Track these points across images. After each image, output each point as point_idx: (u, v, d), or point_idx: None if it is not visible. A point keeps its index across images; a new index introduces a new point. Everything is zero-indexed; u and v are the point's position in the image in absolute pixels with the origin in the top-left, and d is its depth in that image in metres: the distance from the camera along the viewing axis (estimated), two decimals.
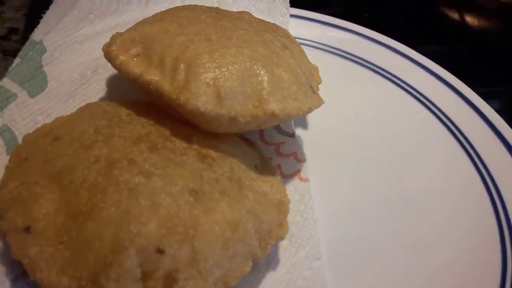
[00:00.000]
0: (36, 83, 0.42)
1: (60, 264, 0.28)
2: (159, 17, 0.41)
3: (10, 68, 0.42)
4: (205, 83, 0.33)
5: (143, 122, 0.35)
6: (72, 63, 0.45)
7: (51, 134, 0.35)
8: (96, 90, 0.44)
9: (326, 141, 0.48)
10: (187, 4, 0.54)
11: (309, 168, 0.43)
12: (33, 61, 0.43)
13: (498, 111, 0.50)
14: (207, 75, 0.34)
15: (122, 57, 0.37)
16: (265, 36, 0.39)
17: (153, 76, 0.35)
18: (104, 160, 0.31)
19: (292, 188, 0.41)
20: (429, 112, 0.51)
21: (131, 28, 0.40)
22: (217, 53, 0.35)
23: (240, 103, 0.34)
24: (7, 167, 0.34)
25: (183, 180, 0.31)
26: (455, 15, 0.68)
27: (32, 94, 0.41)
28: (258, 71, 0.35)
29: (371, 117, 0.51)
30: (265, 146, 0.44)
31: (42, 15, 0.48)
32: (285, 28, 0.56)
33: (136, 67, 0.36)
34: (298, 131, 0.48)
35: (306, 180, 0.42)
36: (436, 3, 0.71)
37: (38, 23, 0.47)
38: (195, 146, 0.34)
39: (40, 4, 0.50)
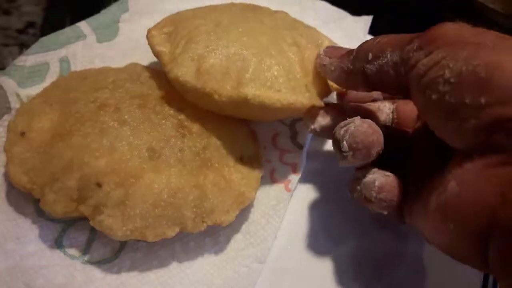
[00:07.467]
0: (107, 32, 0.49)
1: (28, 167, 0.34)
2: (205, 7, 0.45)
3: None
4: (191, 56, 0.37)
5: (152, 85, 0.40)
6: (145, 28, 0.52)
7: (84, 74, 0.42)
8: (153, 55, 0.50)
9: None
10: None
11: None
12: (112, 15, 0.51)
13: None
14: (196, 51, 0.37)
15: (153, 32, 0.42)
16: (280, 32, 0.40)
17: (162, 48, 0.40)
18: (100, 102, 0.37)
19: (273, 193, 0.42)
20: None
21: (180, 11, 0.45)
22: (215, 36, 0.38)
23: (218, 81, 0.36)
24: (44, 88, 0.42)
25: (148, 137, 0.35)
26: None
27: (100, 40, 0.49)
28: (247, 57, 0.37)
29: None
30: (273, 148, 0.46)
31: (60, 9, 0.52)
32: None
33: (156, 40, 0.41)
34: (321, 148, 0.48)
35: (290, 191, 0.42)
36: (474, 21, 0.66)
37: (56, 17, 0.51)
38: (181, 117, 0.38)
39: None
